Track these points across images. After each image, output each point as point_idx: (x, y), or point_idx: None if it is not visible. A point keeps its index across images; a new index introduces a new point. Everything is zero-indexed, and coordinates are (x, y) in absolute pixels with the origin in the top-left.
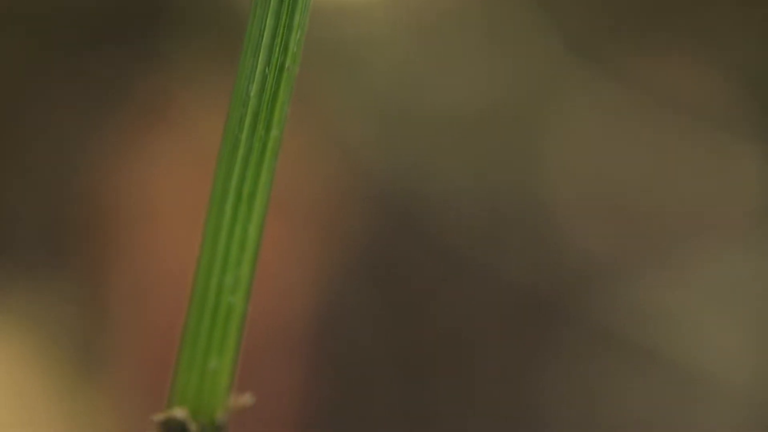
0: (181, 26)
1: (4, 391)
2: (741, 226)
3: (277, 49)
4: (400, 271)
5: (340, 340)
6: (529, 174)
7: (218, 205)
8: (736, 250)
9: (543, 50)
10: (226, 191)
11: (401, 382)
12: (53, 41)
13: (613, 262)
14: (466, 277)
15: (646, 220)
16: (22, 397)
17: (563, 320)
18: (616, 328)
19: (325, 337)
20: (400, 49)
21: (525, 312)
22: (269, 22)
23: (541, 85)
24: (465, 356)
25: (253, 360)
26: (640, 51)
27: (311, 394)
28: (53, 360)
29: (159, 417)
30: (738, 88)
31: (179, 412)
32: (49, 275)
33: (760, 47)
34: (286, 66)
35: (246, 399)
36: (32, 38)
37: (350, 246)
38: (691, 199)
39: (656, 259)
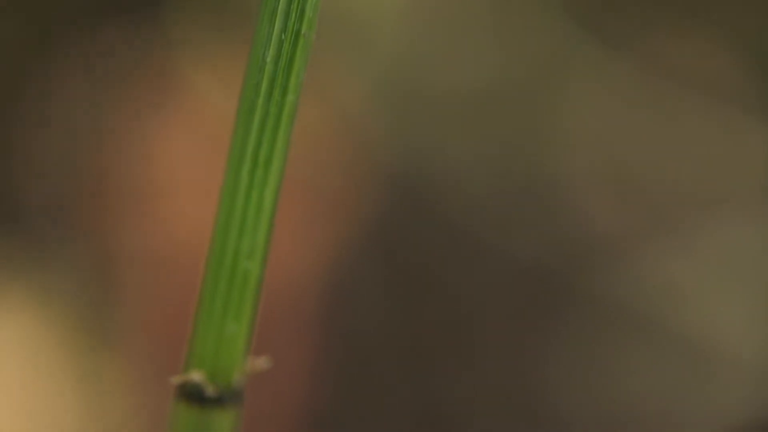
0: (189, 0)
1: (19, 363)
2: (750, 200)
3: (294, 15)
4: (410, 249)
5: (349, 317)
6: (539, 152)
7: (234, 170)
8: (746, 224)
9: (552, 28)
10: (242, 157)
11: (410, 360)
12: (62, 17)
13: (624, 239)
14: (475, 255)
15: (655, 196)
16: (37, 368)
17: (574, 297)
18: (626, 303)
19: (334, 314)
20: (410, 27)
21: (535, 289)
22: None
23: (551, 63)
24: (474, 333)
25: (262, 337)
26: (649, 27)
27: (320, 371)
28: (66, 332)
29: (176, 380)
30: (747, 63)
31: (196, 375)
32: (61, 248)
33: None
34: (302, 32)
35: (262, 362)
36: (41, 13)
37: (359, 225)
38: (700, 173)
39: (666, 235)
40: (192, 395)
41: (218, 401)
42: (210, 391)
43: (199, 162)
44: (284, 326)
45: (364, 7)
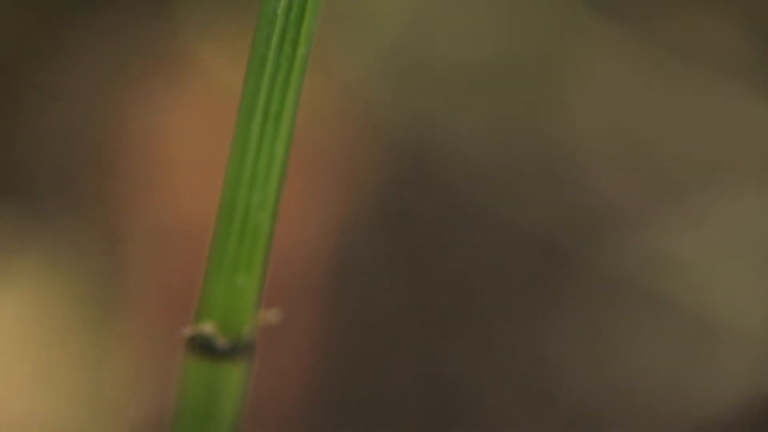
0: None
1: (29, 332)
2: (755, 174)
3: None
4: (414, 220)
5: (355, 286)
6: (544, 124)
7: (245, 123)
8: (750, 198)
9: (559, 0)
10: (253, 110)
11: (414, 330)
12: None
13: (629, 210)
14: (480, 225)
15: (661, 168)
16: (46, 336)
17: (578, 268)
18: (631, 275)
19: (339, 285)
20: None
21: (539, 260)
22: None
23: (557, 36)
24: (478, 304)
25: (269, 302)
26: (657, 1)
27: (327, 337)
28: (74, 302)
29: (187, 331)
30: (753, 40)
31: (207, 327)
32: (69, 221)
33: None
34: None
35: (273, 315)
36: None
37: (364, 195)
38: (706, 147)
39: (670, 207)
40: (202, 347)
41: (229, 353)
42: (220, 342)
43: (206, 137)
44: (292, 294)
45: None
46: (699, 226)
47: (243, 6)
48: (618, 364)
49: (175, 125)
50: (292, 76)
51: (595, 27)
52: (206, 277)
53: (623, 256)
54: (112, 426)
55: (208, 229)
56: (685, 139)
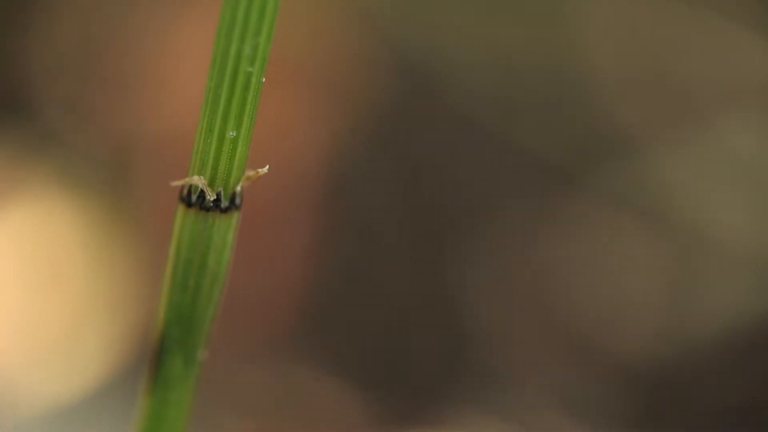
0: None
1: (42, 244)
2: (751, 108)
3: None
4: (417, 139)
5: (356, 204)
6: (551, 46)
7: None
8: (747, 130)
9: None
10: None
11: (411, 244)
12: None
13: (633, 135)
14: (484, 147)
15: (665, 96)
16: (58, 248)
17: (581, 190)
18: (633, 198)
19: (335, 198)
20: None
21: (542, 181)
22: None
23: None
24: (478, 220)
25: (262, 216)
26: None
27: (319, 255)
28: (84, 214)
29: (177, 183)
30: None
31: (197, 180)
32: (76, 136)
33: None
34: None
35: (262, 170)
36: None
37: (367, 113)
38: (710, 78)
39: (670, 133)
40: (194, 201)
41: (218, 205)
42: (211, 195)
43: (209, 51)
44: (289, 208)
45: None
46: (700, 153)
47: None
48: (615, 278)
49: (179, 39)
50: None
51: None
52: (198, 132)
53: (626, 179)
54: (114, 331)
55: None
56: (689, 69)
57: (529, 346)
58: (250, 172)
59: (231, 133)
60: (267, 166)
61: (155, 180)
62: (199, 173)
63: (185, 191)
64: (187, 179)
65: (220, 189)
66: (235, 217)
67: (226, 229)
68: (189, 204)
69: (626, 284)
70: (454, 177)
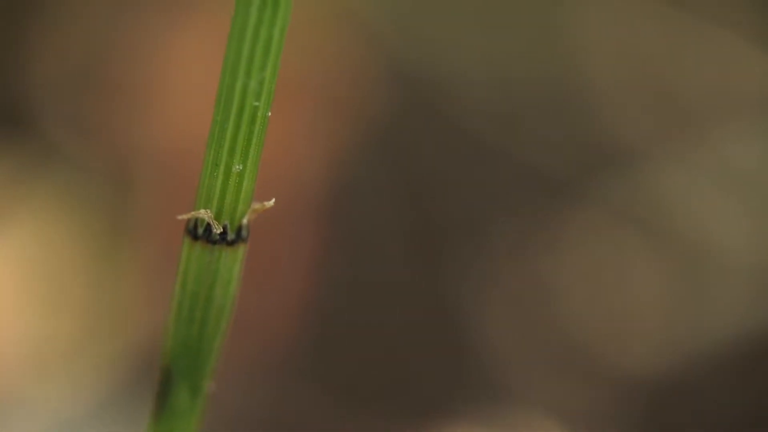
0: None
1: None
2: (750, 119)
3: None
4: (417, 151)
5: (355, 214)
6: (548, 55)
7: (243, 9)
8: (747, 141)
9: None
10: None
11: (412, 259)
12: None
13: (632, 145)
14: (484, 158)
15: (664, 105)
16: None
17: (581, 200)
18: (633, 209)
19: (336, 210)
20: None
21: (542, 191)
22: None
23: None
24: (479, 231)
25: (264, 228)
26: None
27: (321, 266)
28: (85, 228)
29: (183, 217)
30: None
31: (204, 213)
32: (77, 149)
33: None
34: None
35: (269, 203)
36: None
37: (364, 123)
38: (710, 87)
39: (669, 144)
40: (200, 234)
41: (225, 238)
42: (217, 228)
43: (211, 62)
44: (290, 219)
45: None
46: (700, 165)
47: None
48: (614, 289)
49: (181, 50)
50: None
51: None
52: (204, 165)
53: (626, 191)
54: (116, 347)
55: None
56: (689, 81)
57: (530, 360)
58: (257, 205)
59: (237, 167)
60: (273, 200)
61: (158, 196)
62: (206, 206)
63: (191, 224)
64: (193, 213)
65: (227, 222)
66: (241, 250)
67: (233, 262)
68: (195, 237)
69: (627, 297)
70: (455, 190)
